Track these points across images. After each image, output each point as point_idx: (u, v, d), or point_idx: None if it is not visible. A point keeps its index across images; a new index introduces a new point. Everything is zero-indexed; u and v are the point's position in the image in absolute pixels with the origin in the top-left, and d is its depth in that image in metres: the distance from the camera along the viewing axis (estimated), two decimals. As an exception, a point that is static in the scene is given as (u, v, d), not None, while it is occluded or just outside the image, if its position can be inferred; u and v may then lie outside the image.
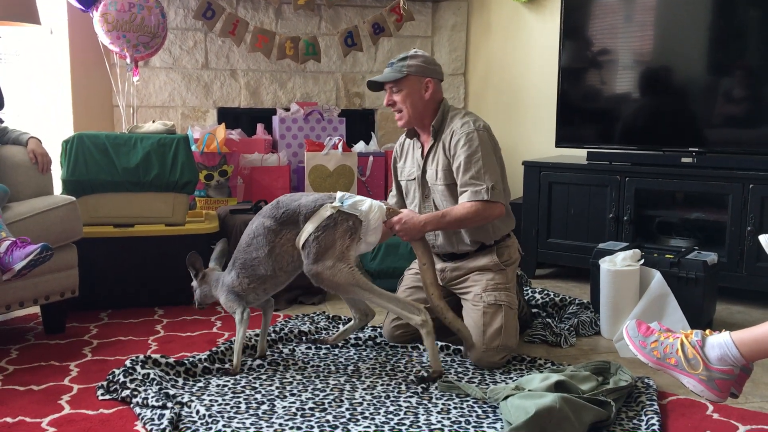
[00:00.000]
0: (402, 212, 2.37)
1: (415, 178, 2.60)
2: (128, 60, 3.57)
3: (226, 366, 2.32)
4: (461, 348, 2.47)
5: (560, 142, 3.76)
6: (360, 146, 4.07)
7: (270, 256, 2.26)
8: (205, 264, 2.46)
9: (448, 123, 2.50)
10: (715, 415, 2.01)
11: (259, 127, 4.12)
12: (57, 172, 2.97)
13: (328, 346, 2.56)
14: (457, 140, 2.43)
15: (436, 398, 2.10)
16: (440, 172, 2.49)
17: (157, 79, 4.09)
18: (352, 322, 2.53)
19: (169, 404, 1.97)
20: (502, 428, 1.89)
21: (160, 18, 3.58)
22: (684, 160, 3.36)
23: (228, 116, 4.22)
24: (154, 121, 3.36)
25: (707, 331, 1.78)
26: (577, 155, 3.82)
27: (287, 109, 4.16)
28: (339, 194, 2.27)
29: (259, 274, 2.29)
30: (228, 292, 2.33)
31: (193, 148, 3.56)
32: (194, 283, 2.44)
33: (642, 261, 2.75)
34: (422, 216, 2.38)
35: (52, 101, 3.93)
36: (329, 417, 1.96)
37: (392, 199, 2.77)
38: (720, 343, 1.70)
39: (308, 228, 2.22)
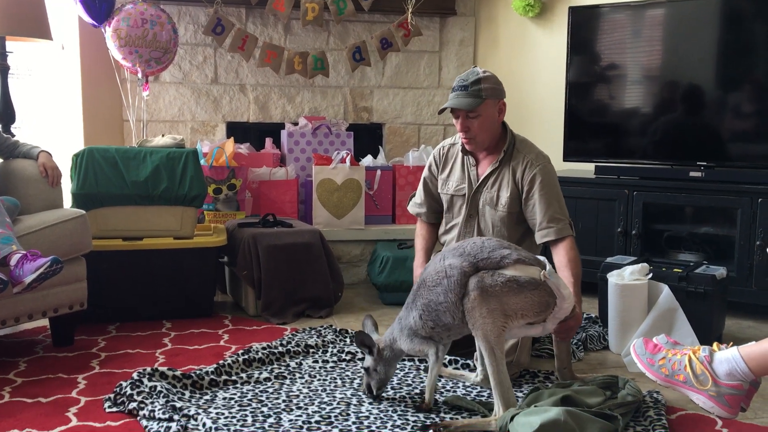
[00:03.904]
0: (576, 309, 2.15)
1: (464, 195, 2.55)
2: (139, 75, 3.61)
3: (417, 400, 2.18)
4: (469, 362, 2.46)
5: (568, 156, 3.76)
6: (368, 160, 4.08)
7: (460, 303, 1.97)
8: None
9: (518, 149, 2.48)
10: (725, 431, 1.99)
11: (268, 141, 4.14)
12: (67, 186, 2.99)
13: (335, 359, 2.55)
14: (533, 174, 2.42)
15: (444, 412, 2.10)
16: (506, 199, 2.45)
17: (166, 93, 4.13)
18: (474, 375, 2.33)
19: (176, 417, 1.97)
20: (509, 443, 1.89)
21: (172, 34, 3.62)
22: (692, 174, 3.35)
23: (237, 130, 4.24)
24: (163, 135, 3.38)
25: (715, 346, 1.77)
26: (585, 169, 3.82)
27: (295, 124, 4.18)
28: (548, 265, 2.01)
29: (445, 322, 2.01)
30: (412, 337, 2.08)
31: (202, 162, 3.58)
32: (368, 364, 2.15)
33: (650, 275, 2.74)
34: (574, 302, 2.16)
35: (63, 116, 3.97)
36: (335, 430, 1.96)
37: (417, 208, 2.70)
38: (728, 358, 1.69)
39: (508, 272, 1.95)
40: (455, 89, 2.40)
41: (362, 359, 2.54)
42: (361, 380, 2.34)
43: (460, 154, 2.57)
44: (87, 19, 3.55)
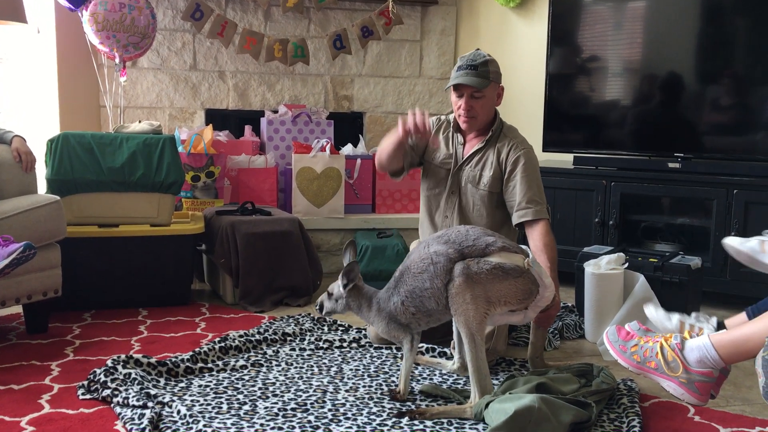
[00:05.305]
0: (556, 297, 2.19)
1: (448, 169, 2.58)
2: (117, 60, 3.56)
3: (393, 387, 2.17)
4: (446, 350, 2.47)
5: (547, 146, 3.78)
6: (348, 149, 4.07)
7: (445, 289, 1.97)
8: None
9: (505, 134, 2.55)
10: (697, 418, 2.02)
11: (247, 128, 4.11)
12: (42, 171, 2.95)
13: (313, 347, 2.55)
14: (517, 156, 2.47)
15: (420, 400, 2.10)
16: (489, 179, 2.50)
17: (144, 79, 4.08)
18: (451, 363, 2.33)
19: (150, 404, 1.96)
20: (484, 429, 1.90)
21: (150, 19, 3.57)
22: (670, 165, 3.38)
23: (216, 118, 4.21)
24: (140, 122, 3.35)
25: (686, 334, 1.79)
26: (564, 160, 3.84)
27: (275, 111, 4.15)
28: (531, 254, 2.03)
29: (428, 308, 2.01)
30: (389, 321, 2.07)
31: (180, 149, 3.55)
32: (334, 291, 2.12)
33: (626, 265, 2.76)
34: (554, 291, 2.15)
35: (38, 101, 3.91)
36: (311, 418, 1.96)
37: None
38: (699, 345, 1.71)
39: (493, 259, 1.97)
40: (462, 68, 2.44)
41: (339, 347, 2.55)
42: (338, 367, 2.34)
43: (450, 131, 2.62)
44: (63, 2, 3.49)
